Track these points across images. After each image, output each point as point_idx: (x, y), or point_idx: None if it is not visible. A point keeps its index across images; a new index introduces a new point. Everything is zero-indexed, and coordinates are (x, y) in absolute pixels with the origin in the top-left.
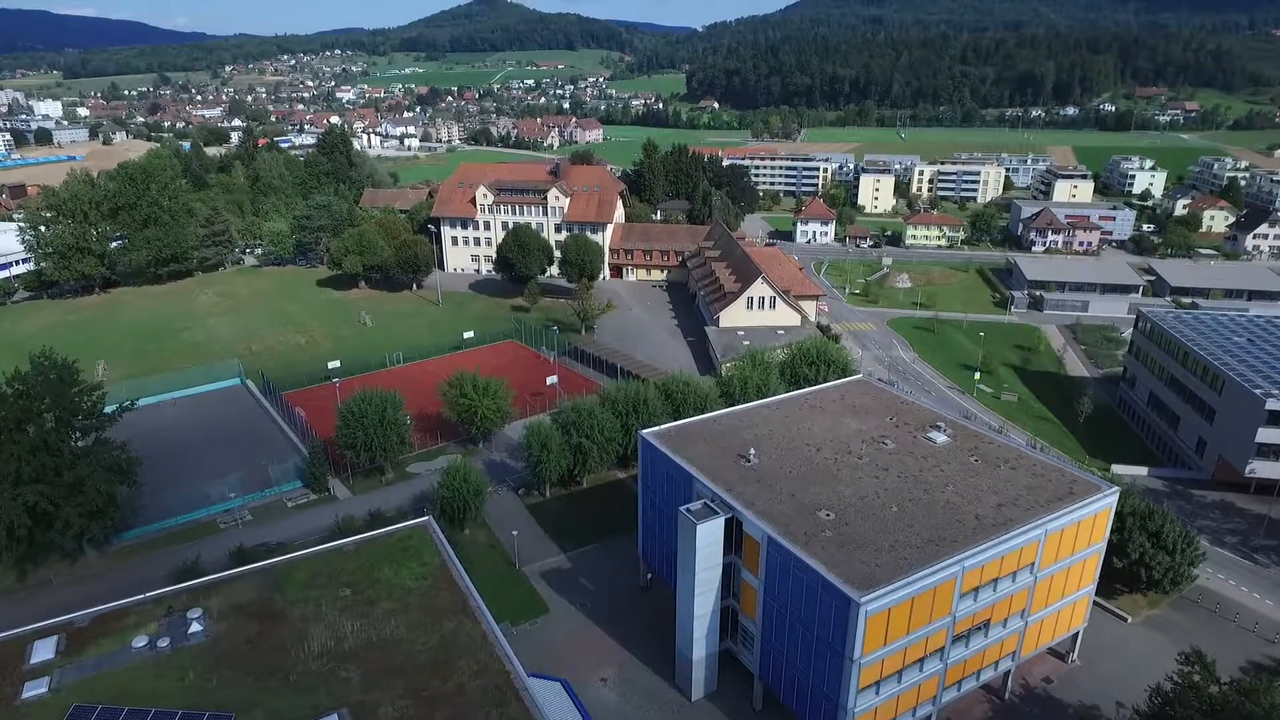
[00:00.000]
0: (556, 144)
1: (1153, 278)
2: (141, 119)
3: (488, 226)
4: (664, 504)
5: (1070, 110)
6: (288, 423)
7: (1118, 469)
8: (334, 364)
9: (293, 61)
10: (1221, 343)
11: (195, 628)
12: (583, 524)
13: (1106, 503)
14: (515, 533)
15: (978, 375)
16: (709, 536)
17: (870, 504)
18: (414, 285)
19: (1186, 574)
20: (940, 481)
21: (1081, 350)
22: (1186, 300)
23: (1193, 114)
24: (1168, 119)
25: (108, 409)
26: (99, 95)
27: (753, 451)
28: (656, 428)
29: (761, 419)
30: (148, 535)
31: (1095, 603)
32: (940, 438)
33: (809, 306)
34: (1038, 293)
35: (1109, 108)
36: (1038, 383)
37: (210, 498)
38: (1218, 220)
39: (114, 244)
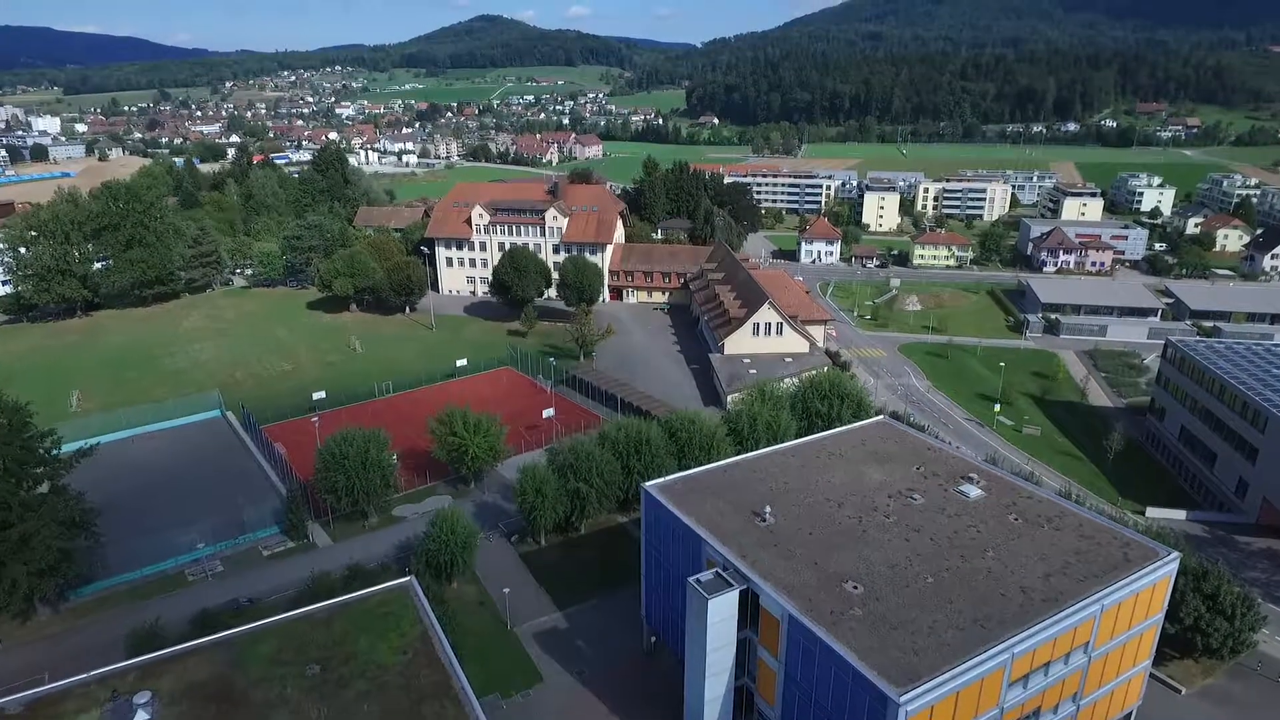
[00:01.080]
0: (556, 160)
1: (1170, 300)
2: (139, 135)
3: (483, 247)
4: (670, 565)
5: (1071, 126)
6: (267, 460)
7: (1153, 513)
8: (319, 395)
9: (293, 77)
10: (1260, 375)
11: (141, 716)
12: (581, 576)
13: (1166, 571)
14: (507, 590)
15: (998, 407)
16: (722, 612)
17: (902, 574)
18: (407, 308)
19: (1247, 640)
20: (978, 546)
21: (1103, 378)
22: (1208, 324)
23: (1194, 130)
24: (1169, 135)
25: (67, 448)
26: (98, 111)
27: (768, 509)
28: (661, 480)
29: (777, 468)
30: (108, 590)
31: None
32: (974, 491)
33: (817, 332)
34: (1053, 316)
35: (1110, 123)
36: (1059, 414)
37: (179, 546)
38: (1232, 240)
39: (98, 265)
